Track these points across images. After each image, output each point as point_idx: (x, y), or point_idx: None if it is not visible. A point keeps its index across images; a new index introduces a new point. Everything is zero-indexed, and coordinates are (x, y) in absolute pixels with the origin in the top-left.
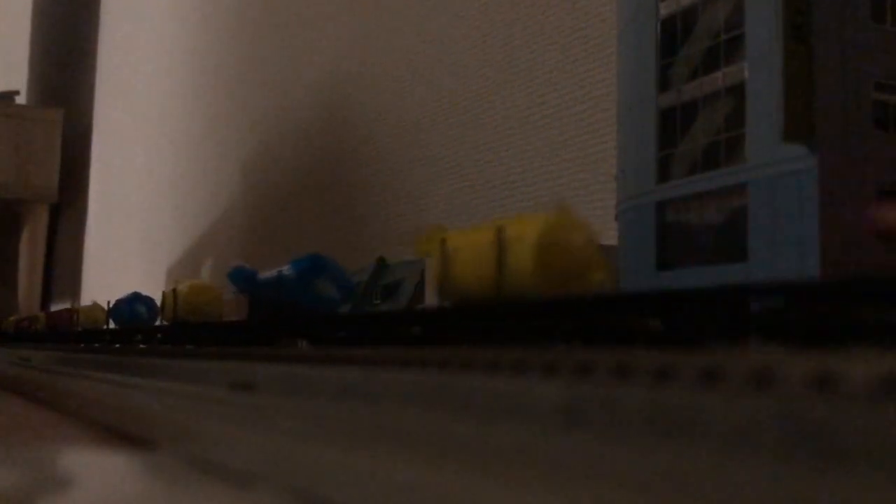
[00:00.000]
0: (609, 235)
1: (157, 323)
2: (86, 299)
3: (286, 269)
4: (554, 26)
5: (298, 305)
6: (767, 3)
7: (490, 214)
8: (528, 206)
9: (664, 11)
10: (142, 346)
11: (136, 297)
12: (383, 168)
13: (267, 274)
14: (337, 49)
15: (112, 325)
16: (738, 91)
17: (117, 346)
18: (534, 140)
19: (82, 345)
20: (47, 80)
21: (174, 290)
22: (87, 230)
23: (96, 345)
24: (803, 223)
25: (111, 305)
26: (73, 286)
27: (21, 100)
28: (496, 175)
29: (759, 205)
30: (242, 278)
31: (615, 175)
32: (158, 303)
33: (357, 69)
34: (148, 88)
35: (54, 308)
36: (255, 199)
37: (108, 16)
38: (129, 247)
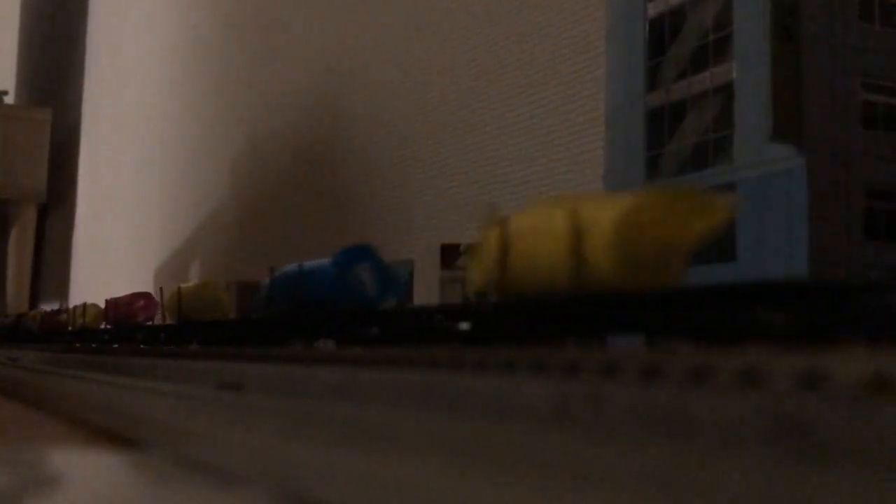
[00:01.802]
0: None
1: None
2: (75, 299)
3: None
4: (542, 26)
5: None
6: (755, 3)
7: (481, 213)
8: (519, 205)
9: (652, 11)
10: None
11: (357, 254)
12: (372, 169)
13: None
14: (325, 49)
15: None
16: (726, 91)
17: (112, 346)
18: (522, 140)
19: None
20: (36, 80)
21: (500, 229)
22: (75, 230)
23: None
24: (791, 223)
25: (275, 275)
26: (62, 286)
27: (9, 100)
28: (485, 175)
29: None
30: None
31: (603, 175)
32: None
33: (346, 70)
34: (136, 88)
35: (45, 305)
36: (245, 199)
37: (96, 16)
38: (119, 247)
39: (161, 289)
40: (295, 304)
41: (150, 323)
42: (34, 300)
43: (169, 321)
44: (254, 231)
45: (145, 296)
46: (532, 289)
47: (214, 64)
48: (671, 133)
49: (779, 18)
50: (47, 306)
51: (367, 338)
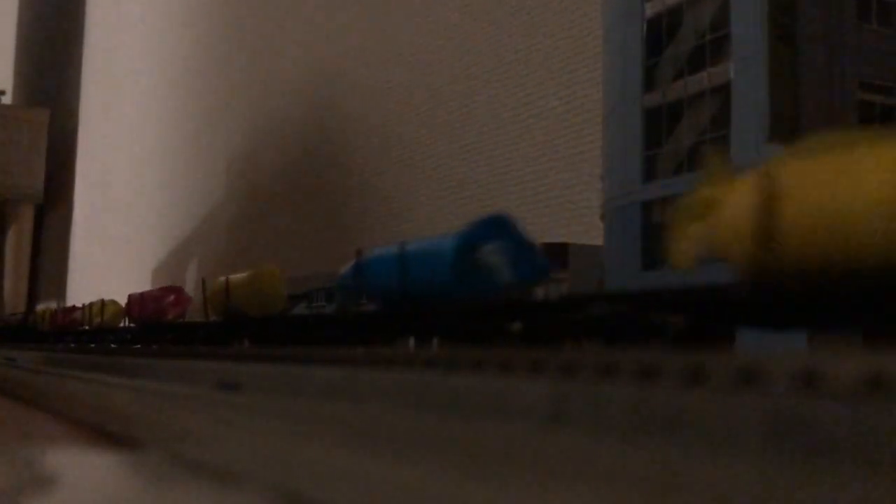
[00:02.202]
0: (594, 235)
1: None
2: (73, 299)
3: None
4: (540, 27)
5: None
6: (753, 4)
7: (476, 213)
8: (515, 205)
9: (650, 12)
10: None
11: (486, 229)
12: (368, 168)
13: None
14: (323, 51)
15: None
16: (723, 91)
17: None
18: (519, 140)
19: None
20: (33, 81)
21: (763, 180)
22: (72, 230)
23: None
24: None
25: (363, 260)
26: (59, 286)
27: (7, 100)
28: (481, 175)
29: None
30: None
31: (600, 175)
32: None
33: (343, 70)
34: (134, 89)
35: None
36: (240, 200)
37: (93, 17)
38: (115, 247)
39: (203, 280)
40: (395, 296)
41: (184, 320)
42: (32, 299)
43: (212, 317)
44: (249, 231)
45: (176, 290)
46: (831, 265)
47: (211, 65)
48: (668, 133)
49: (776, 19)
50: (43, 305)
51: (515, 336)
